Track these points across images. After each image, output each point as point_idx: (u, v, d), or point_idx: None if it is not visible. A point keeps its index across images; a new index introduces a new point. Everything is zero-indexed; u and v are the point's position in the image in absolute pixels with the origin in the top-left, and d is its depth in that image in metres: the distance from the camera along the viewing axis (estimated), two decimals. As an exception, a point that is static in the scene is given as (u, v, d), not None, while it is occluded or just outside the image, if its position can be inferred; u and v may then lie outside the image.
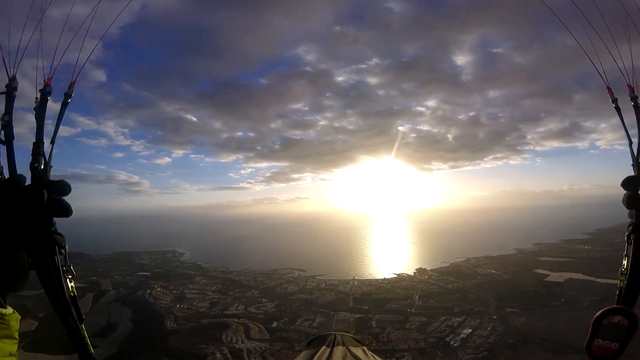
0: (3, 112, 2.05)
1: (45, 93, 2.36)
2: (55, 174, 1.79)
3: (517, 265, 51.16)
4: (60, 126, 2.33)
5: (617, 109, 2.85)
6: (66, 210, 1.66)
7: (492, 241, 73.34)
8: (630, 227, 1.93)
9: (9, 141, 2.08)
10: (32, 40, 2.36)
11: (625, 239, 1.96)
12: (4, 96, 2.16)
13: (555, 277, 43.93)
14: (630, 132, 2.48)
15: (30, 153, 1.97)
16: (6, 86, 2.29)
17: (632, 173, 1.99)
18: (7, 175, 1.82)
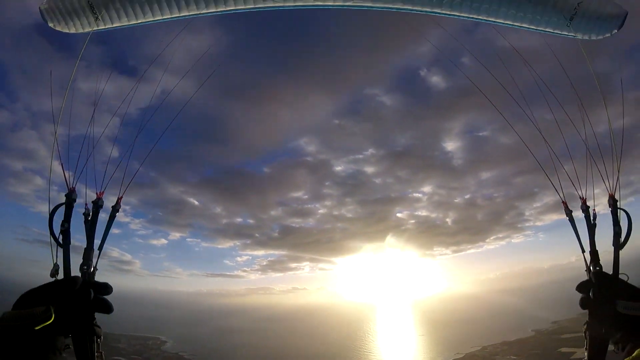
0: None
1: (97, 206, 2.95)
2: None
3: (538, 347, 46.10)
4: (64, 195, 2.87)
5: (572, 220, 3.49)
6: (108, 309, 2.00)
7: (507, 325, 66.89)
8: (585, 325, 2.31)
9: (66, 245, 2.47)
10: (87, 159, 3.02)
11: (583, 334, 2.33)
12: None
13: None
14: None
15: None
16: (66, 195, 2.86)
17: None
18: (61, 273, 2.21)
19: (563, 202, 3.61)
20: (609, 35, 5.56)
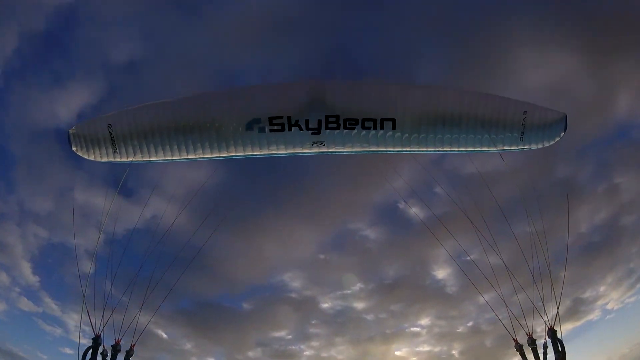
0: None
1: (116, 350, 3.85)
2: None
3: None
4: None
5: (522, 354, 4.64)
6: None
7: None
8: None
9: None
10: (110, 314, 4.01)
11: None
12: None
13: None
14: None
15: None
16: (93, 340, 3.78)
17: None
18: None
19: (514, 339, 4.27)
20: (558, 138, 6.16)
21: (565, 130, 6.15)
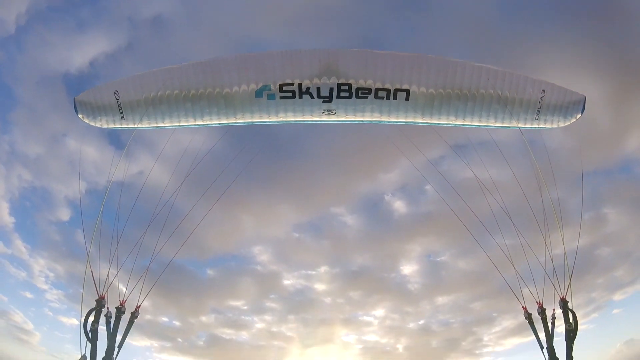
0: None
1: (120, 312, 4.12)
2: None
3: None
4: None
5: (531, 323, 4.67)
6: None
7: None
8: None
9: (94, 342, 3.27)
10: (114, 272, 3.90)
11: None
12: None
13: None
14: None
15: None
16: (96, 301, 3.73)
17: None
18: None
19: (523, 307, 4.28)
20: (574, 120, 6.09)
21: (582, 112, 5.96)
